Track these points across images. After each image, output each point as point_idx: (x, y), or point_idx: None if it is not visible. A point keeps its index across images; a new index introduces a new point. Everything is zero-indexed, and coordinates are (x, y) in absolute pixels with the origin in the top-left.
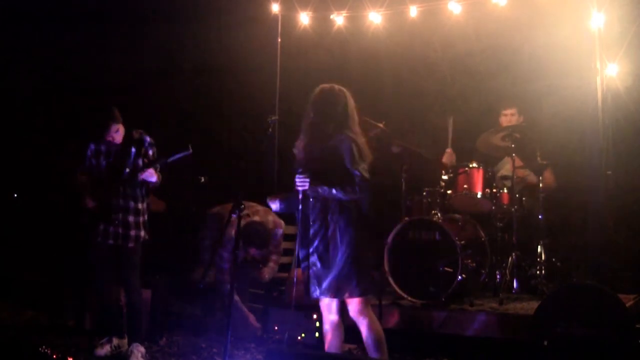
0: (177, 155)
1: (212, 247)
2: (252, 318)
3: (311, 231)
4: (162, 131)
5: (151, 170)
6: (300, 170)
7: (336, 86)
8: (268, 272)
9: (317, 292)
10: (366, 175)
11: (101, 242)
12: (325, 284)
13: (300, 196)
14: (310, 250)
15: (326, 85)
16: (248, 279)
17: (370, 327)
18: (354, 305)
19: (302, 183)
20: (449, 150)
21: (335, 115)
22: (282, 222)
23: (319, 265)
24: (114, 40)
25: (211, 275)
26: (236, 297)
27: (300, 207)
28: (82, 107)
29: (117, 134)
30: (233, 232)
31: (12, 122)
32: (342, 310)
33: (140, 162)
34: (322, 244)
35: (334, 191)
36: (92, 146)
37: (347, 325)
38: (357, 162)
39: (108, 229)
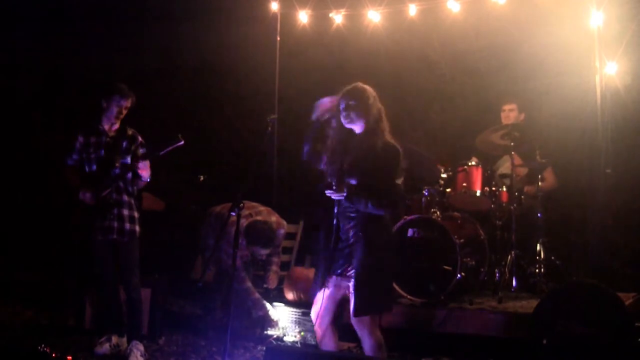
0: (169, 147)
1: (213, 246)
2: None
3: (338, 244)
4: (161, 130)
5: (146, 163)
6: (333, 182)
7: (369, 87)
8: (273, 278)
9: (355, 310)
10: (401, 187)
11: (102, 240)
12: (363, 300)
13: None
14: (335, 264)
15: (363, 85)
16: (249, 278)
17: (371, 335)
18: (367, 319)
19: (338, 196)
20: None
21: (377, 120)
22: (284, 222)
23: (342, 279)
24: (113, 39)
25: (209, 275)
26: (257, 295)
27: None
28: (82, 107)
29: (126, 111)
30: (233, 230)
31: (12, 122)
32: (338, 310)
33: (128, 159)
34: (347, 258)
35: (370, 205)
36: (81, 138)
37: (346, 324)
38: (395, 174)
39: (104, 224)
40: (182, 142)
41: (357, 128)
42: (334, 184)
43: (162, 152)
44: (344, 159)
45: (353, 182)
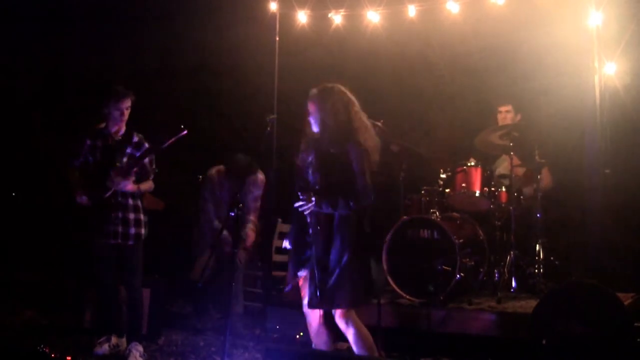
0: (172, 138)
1: (213, 238)
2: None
3: (308, 241)
4: (160, 130)
5: (150, 158)
6: (300, 192)
7: (336, 86)
8: (251, 234)
9: (308, 302)
10: (369, 185)
11: (104, 242)
12: (317, 295)
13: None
14: (307, 260)
15: (328, 85)
16: (244, 277)
17: (358, 334)
18: (340, 314)
19: (306, 208)
20: None
21: (341, 119)
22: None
23: (314, 275)
24: (113, 39)
25: (207, 275)
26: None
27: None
28: (82, 107)
29: (128, 111)
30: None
31: (12, 122)
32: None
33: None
34: (318, 255)
35: (338, 208)
36: (88, 141)
37: None
38: (362, 172)
39: (108, 227)
40: (185, 132)
41: (321, 129)
42: (301, 196)
43: (165, 144)
44: (313, 157)
45: (319, 180)
